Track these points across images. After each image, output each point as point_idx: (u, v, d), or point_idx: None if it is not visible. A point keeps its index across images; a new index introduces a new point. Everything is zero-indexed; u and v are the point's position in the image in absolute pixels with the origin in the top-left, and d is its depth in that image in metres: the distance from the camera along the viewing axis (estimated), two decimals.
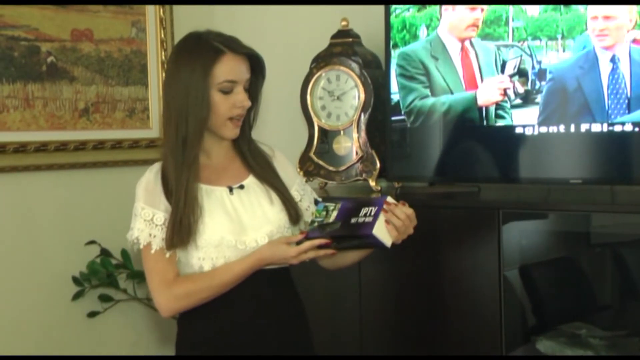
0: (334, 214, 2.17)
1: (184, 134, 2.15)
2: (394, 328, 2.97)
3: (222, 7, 3.75)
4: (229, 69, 2.17)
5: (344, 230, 2.13)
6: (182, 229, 2.13)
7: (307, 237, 2.14)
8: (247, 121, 2.27)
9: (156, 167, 2.23)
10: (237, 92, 2.18)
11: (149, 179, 2.21)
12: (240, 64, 2.19)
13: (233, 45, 2.19)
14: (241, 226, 2.19)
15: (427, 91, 3.00)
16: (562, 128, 2.77)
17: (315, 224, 2.18)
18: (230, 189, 2.23)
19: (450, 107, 2.96)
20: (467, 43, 2.93)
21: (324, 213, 2.18)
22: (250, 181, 2.26)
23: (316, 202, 2.30)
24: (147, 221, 2.16)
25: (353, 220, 2.13)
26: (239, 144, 2.29)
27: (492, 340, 2.75)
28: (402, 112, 3.05)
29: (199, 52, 2.16)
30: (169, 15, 3.64)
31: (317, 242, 2.12)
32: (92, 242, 3.36)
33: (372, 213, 2.12)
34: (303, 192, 2.35)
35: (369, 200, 2.21)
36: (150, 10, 3.59)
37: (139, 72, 3.56)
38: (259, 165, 2.28)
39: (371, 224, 2.11)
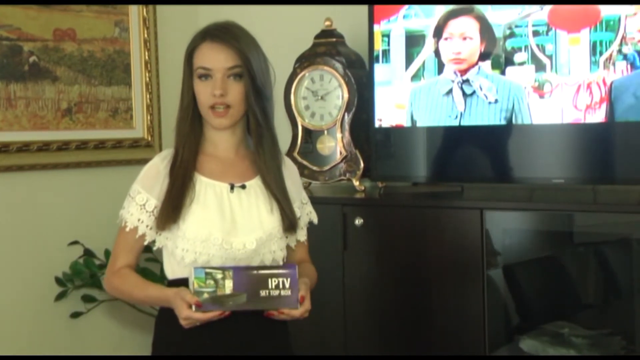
0: (228, 283, 2.05)
1: (178, 120, 2.24)
2: (378, 328, 2.98)
3: (206, 7, 3.74)
4: (203, 55, 2.19)
5: (256, 303, 2.05)
6: (170, 205, 2.15)
7: (207, 309, 2.04)
8: (256, 121, 2.21)
9: (165, 153, 2.25)
10: (214, 80, 2.17)
11: (154, 163, 2.24)
12: (217, 52, 2.17)
13: (214, 32, 2.20)
14: (233, 226, 2.17)
15: None
16: (545, 128, 2.78)
17: (205, 294, 2.03)
18: (232, 187, 2.21)
19: None
20: None
21: (212, 282, 2.04)
22: (255, 183, 2.24)
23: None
24: (140, 206, 2.19)
25: (263, 293, 2.06)
26: (254, 143, 2.24)
27: (475, 340, 2.76)
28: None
29: (190, 40, 2.23)
30: (152, 15, 3.63)
31: (216, 314, 2.06)
32: (75, 243, 3.35)
33: (287, 285, 2.07)
34: (299, 213, 2.30)
35: (272, 269, 2.11)
36: (134, 10, 3.57)
37: (122, 72, 3.54)
38: (269, 169, 2.23)
39: (293, 298, 2.07)
